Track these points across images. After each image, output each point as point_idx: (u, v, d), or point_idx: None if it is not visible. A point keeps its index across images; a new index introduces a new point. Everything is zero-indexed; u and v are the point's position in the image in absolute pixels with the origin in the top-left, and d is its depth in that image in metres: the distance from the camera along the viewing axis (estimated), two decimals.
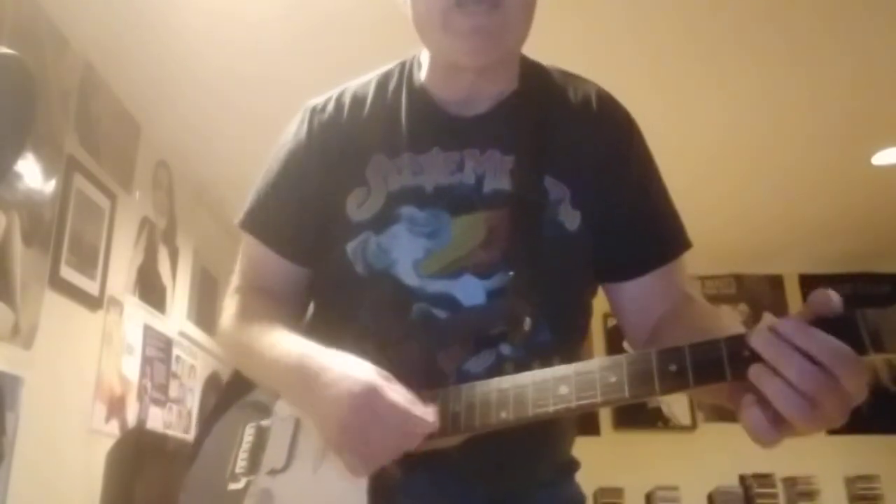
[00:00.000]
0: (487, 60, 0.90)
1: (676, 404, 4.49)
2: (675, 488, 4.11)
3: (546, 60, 1.04)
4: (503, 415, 0.74)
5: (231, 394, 1.03)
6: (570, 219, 0.91)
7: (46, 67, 2.25)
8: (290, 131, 1.04)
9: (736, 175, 3.49)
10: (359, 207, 0.93)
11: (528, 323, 0.84)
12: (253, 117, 2.93)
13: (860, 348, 0.60)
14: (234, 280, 1.05)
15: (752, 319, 4.71)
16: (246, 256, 1.05)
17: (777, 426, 0.62)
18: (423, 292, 0.88)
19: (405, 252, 0.89)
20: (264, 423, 0.94)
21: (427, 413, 0.75)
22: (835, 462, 4.26)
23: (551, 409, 0.71)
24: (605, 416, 4.40)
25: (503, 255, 0.88)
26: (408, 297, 0.88)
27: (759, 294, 4.76)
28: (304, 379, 0.81)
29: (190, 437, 3.34)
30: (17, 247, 2.07)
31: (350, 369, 0.78)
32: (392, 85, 1.01)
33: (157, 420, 2.98)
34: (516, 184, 0.90)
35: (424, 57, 1.00)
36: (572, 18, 2.32)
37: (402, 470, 0.78)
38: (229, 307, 1.02)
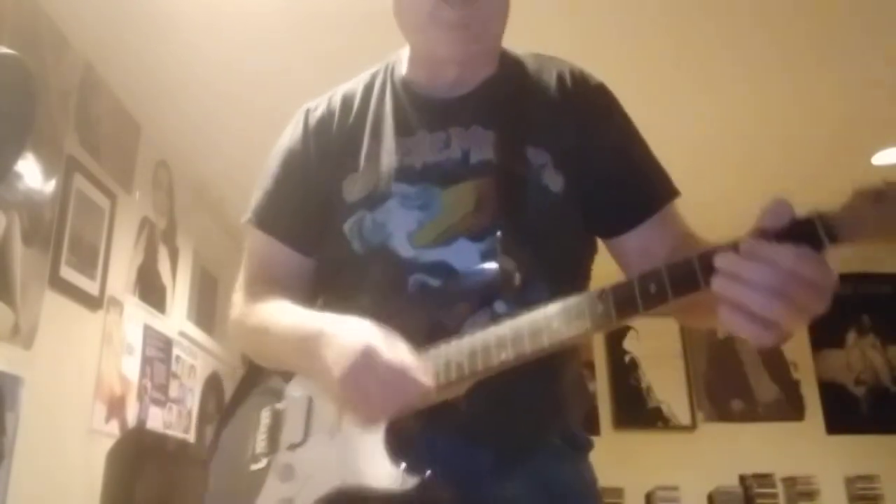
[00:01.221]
0: (467, 52, 0.98)
1: (676, 404, 4.49)
2: (675, 488, 4.11)
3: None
4: (503, 355, 0.79)
5: (246, 385, 1.08)
6: (554, 181, 0.96)
7: (46, 67, 2.24)
8: (288, 132, 1.11)
9: (735, 175, 3.49)
10: (353, 190, 0.99)
11: (517, 278, 0.89)
12: (253, 118, 2.93)
13: (818, 246, 0.67)
14: (241, 277, 1.10)
15: None
16: (252, 253, 1.09)
17: (760, 324, 0.66)
18: (418, 262, 0.92)
19: (399, 225, 0.94)
20: (279, 406, 0.98)
21: (423, 374, 0.80)
22: (835, 462, 4.26)
23: (546, 342, 0.77)
24: (605, 416, 4.40)
25: (492, 219, 0.92)
26: (404, 269, 0.92)
27: None
28: (310, 344, 0.87)
29: (190, 437, 3.34)
30: (17, 247, 2.07)
31: (353, 331, 0.83)
32: (378, 82, 1.08)
33: (157, 420, 2.98)
34: (499, 154, 0.96)
35: (405, 54, 1.08)
36: (563, 24, 2.32)
37: (418, 422, 0.83)
38: (237, 300, 1.07)
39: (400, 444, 0.83)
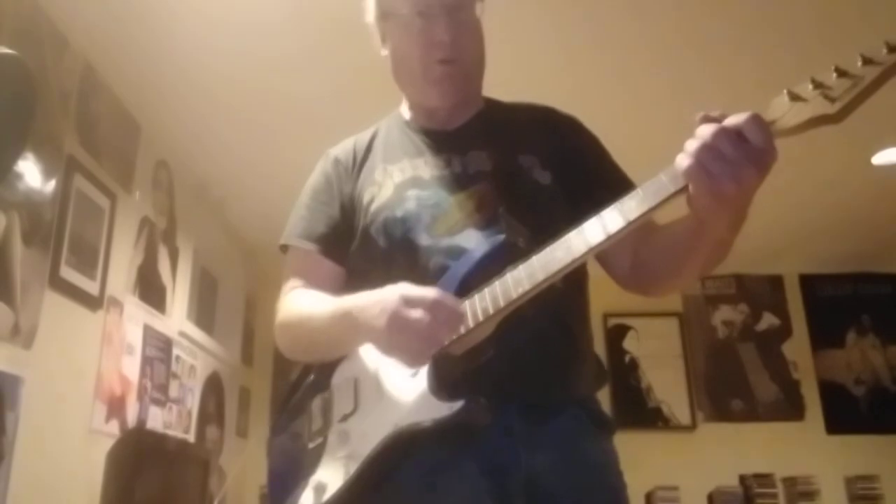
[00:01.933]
0: (455, 100, 1.21)
1: (676, 404, 4.49)
2: (675, 488, 4.11)
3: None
4: (520, 289, 0.93)
5: (294, 390, 1.20)
6: (543, 176, 1.15)
7: (46, 67, 2.25)
8: (315, 171, 1.30)
9: None
10: (374, 199, 1.17)
11: (522, 242, 1.02)
12: (253, 118, 2.93)
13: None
14: (283, 291, 1.23)
15: (753, 319, 4.71)
16: (291, 270, 1.24)
17: (706, 177, 0.82)
18: (437, 248, 1.07)
19: (417, 220, 1.11)
20: (326, 394, 1.11)
21: (455, 304, 0.95)
22: (835, 462, 4.26)
23: (556, 267, 0.91)
24: None
25: (494, 212, 1.09)
26: (425, 254, 1.07)
27: (759, 294, 4.76)
28: (353, 315, 1.01)
29: (190, 437, 3.34)
30: (17, 247, 2.07)
31: (385, 290, 0.98)
32: (383, 127, 1.30)
33: (157, 420, 2.98)
34: (495, 164, 1.16)
35: (403, 107, 1.31)
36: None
37: (492, 347, 0.97)
38: (280, 307, 1.20)
39: (444, 381, 0.96)
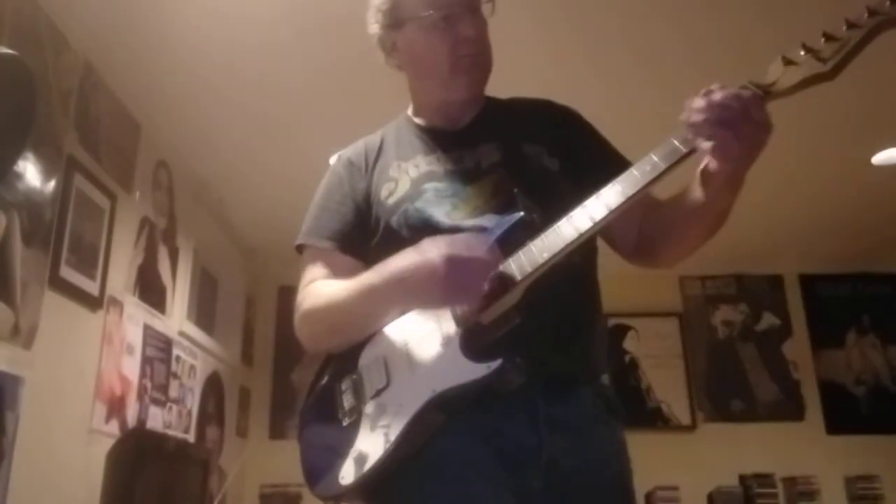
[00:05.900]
0: (479, 89, 1.27)
1: (676, 404, 4.49)
2: (675, 488, 4.11)
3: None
4: (545, 255, 0.98)
5: (319, 378, 1.20)
6: (552, 163, 1.20)
7: (46, 67, 2.24)
8: (327, 174, 1.32)
9: None
10: (391, 194, 1.20)
11: (537, 218, 1.05)
12: (253, 118, 2.93)
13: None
14: (302, 286, 1.24)
15: (752, 319, 4.71)
16: (309, 268, 1.25)
17: (719, 144, 0.93)
18: (459, 228, 1.10)
19: (437, 209, 1.15)
20: (354, 375, 1.12)
21: (487, 242, 1.00)
22: (835, 462, 4.26)
23: (572, 236, 0.98)
24: None
25: (510, 195, 1.12)
26: (448, 232, 1.08)
27: (759, 294, 4.76)
28: (396, 278, 1.03)
29: (190, 437, 3.34)
30: (17, 247, 2.07)
31: (421, 250, 1.02)
32: (393, 128, 1.33)
33: (157, 420, 2.98)
34: (504, 154, 1.21)
35: (409, 111, 1.35)
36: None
37: (519, 315, 1.00)
38: (300, 303, 1.22)
39: (474, 346, 1.00)
